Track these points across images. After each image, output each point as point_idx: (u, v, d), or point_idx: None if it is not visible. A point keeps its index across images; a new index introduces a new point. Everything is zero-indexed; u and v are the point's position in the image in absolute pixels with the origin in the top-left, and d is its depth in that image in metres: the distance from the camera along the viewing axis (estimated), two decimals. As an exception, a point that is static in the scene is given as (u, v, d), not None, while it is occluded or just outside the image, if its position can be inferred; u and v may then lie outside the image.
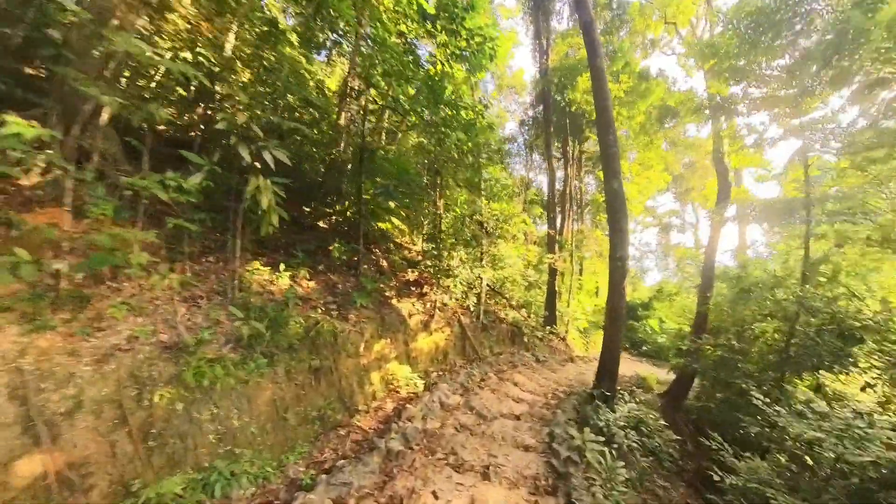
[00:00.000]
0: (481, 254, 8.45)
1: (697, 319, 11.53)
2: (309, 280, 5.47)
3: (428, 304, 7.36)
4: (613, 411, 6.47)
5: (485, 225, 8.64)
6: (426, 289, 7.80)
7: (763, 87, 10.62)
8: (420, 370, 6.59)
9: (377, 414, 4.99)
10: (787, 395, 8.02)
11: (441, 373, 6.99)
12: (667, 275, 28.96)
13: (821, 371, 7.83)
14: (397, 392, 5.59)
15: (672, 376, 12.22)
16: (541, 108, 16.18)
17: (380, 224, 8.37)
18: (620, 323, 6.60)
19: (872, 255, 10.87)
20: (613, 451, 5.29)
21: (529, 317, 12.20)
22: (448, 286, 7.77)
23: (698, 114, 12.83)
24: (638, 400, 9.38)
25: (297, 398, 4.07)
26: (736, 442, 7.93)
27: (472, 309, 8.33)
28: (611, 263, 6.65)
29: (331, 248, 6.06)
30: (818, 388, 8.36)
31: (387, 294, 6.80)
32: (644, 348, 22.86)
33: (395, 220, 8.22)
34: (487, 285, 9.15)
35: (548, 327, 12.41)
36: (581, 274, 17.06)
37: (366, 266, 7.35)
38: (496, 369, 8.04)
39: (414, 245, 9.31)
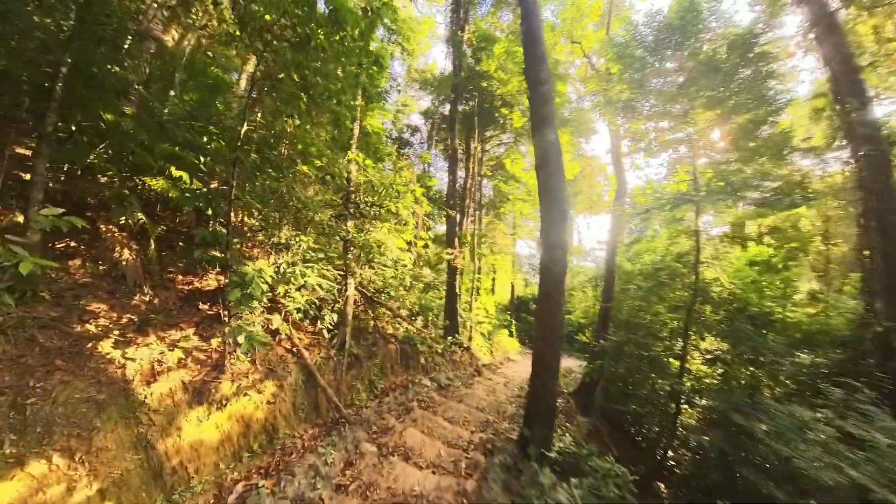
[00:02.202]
0: (346, 244, 5.16)
1: (602, 314, 10.83)
2: None
3: (222, 340, 3.66)
4: (563, 476, 4.11)
5: (354, 196, 5.35)
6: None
7: (657, 102, 11.91)
8: (191, 498, 2.91)
9: None
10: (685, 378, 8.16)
11: (255, 478, 3.42)
12: None
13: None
14: None
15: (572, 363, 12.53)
16: (448, 104, 14.12)
17: (148, 180, 4.26)
18: (557, 343, 4.24)
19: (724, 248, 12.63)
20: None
21: (427, 327, 9.41)
22: (282, 300, 4.23)
23: (604, 108, 12.71)
24: (568, 425, 7.47)
25: None
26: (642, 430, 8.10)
27: (328, 335, 4.92)
28: (544, 255, 4.24)
29: None
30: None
31: (87, 328, 2.89)
32: (539, 341, 23.12)
33: (179, 172, 4.18)
34: (360, 291, 5.90)
35: (449, 338, 9.85)
36: (480, 272, 15.28)
37: (93, 264, 3.24)
38: (377, 430, 4.84)
39: (244, 225, 5.31)
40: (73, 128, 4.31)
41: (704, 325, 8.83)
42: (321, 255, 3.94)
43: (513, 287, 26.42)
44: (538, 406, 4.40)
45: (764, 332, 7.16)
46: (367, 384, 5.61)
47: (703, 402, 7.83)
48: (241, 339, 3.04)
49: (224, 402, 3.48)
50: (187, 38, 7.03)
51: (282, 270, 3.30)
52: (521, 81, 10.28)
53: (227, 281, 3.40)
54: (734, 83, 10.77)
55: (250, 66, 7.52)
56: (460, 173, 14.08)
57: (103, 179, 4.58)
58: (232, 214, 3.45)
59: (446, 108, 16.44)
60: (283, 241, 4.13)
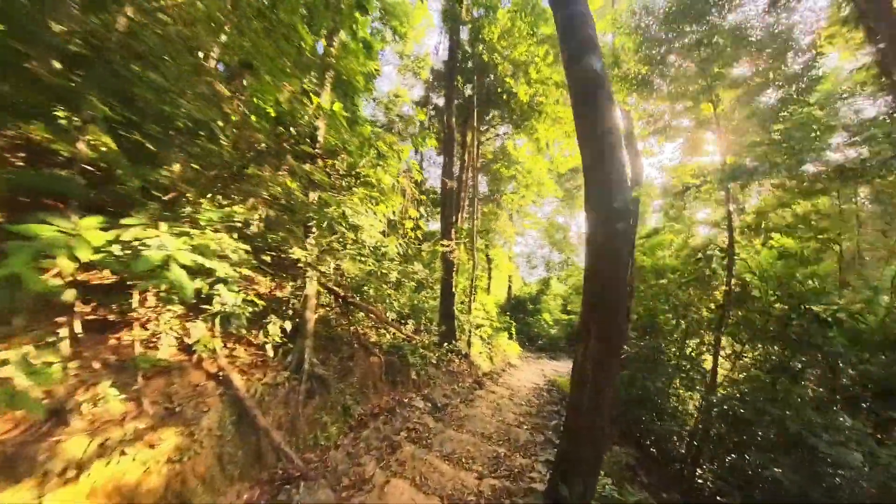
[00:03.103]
0: (306, 224, 3.75)
1: None
2: None
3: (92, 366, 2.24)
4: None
5: (320, 159, 3.94)
6: (140, 310, 2.66)
7: (676, 78, 10.99)
8: None
9: None
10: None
11: None
12: (552, 270, 29.68)
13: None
14: None
15: (569, 366, 12.25)
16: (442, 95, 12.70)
17: (24, 125, 2.78)
18: (616, 365, 2.90)
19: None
20: None
21: (419, 333, 8.03)
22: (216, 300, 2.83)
23: (617, 85, 11.52)
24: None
25: None
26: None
27: (278, 351, 3.50)
28: (594, 230, 2.86)
29: None
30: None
31: None
32: (540, 342, 21.87)
33: (65, 113, 2.66)
34: (331, 290, 4.49)
35: (445, 344, 8.48)
36: (476, 268, 13.92)
37: None
38: (348, 484, 3.44)
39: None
40: None
41: (742, 326, 7.70)
42: (211, 217, 2.48)
43: (510, 285, 25.21)
44: (579, 453, 3.05)
45: (831, 335, 5.95)
46: (338, 413, 4.20)
47: (746, 415, 6.48)
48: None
49: (76, 472, 2.05)
50: None
51: (127, 238, 1.90)
52: (531, 45, 8.98)
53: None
54: (763, 58, 9.79)
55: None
56: (455, 166, 12.73)
57: None
58: (82, 145, 2.03)
59: (440, 100, 15.17)
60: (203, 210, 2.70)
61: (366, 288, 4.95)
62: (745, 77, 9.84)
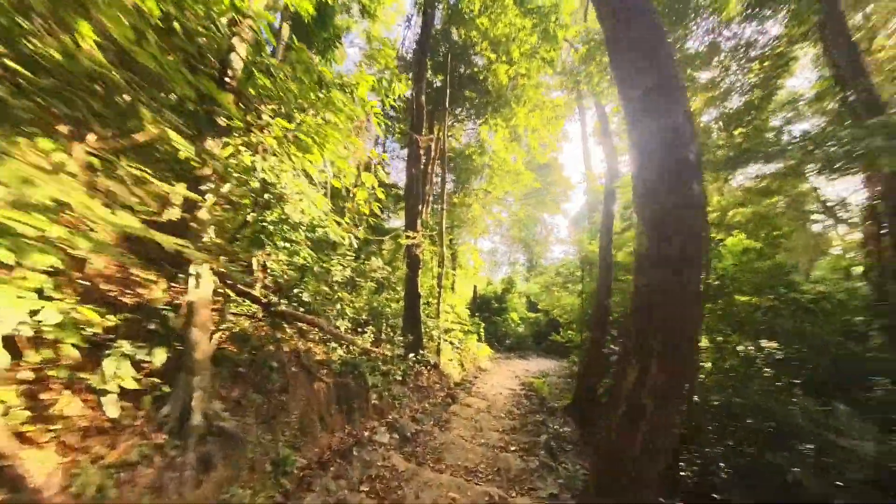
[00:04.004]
0: (197, 183, 2.38)
1: (598, 313, 9.06)
2: None
3: None
4: None
5: (230, 83, 2.58)
6: None
7: None
8: None
9: None
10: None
11: None
12: (516, 268, 29.54)
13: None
14: None
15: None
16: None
17: None
18: (683, 390, 1.93)
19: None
20: None
21: (379, 343, 6.73)
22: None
23: (596, 76, 11.01)
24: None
25: None
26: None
27: (118, 408, 2.09)
28: (653, 194, 1.86)
29: None
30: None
31: None
32: (508, 342, 21.32)
33: None
34: (247, 294, 3.11)
35: (411, 355, 7.27)
36: (443, 265, 12.78)
37: None
38: None
39: None
40: None
41: (724, 319, 7.34)
42: None
43: (475, 284, 24.43)
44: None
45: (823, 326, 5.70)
46: (264, 476, 2.83)
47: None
48: None
49: None
50: None
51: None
52: (516, 16, 8.07)
53: None
54: (732, 64, 9.99)
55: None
56: (422, 151, 11.50)
57: None
58: None
59: (408, 93, 13.92)
60: None
61: (298, 291, 3.55)
62: (716, 81, 9.90)
